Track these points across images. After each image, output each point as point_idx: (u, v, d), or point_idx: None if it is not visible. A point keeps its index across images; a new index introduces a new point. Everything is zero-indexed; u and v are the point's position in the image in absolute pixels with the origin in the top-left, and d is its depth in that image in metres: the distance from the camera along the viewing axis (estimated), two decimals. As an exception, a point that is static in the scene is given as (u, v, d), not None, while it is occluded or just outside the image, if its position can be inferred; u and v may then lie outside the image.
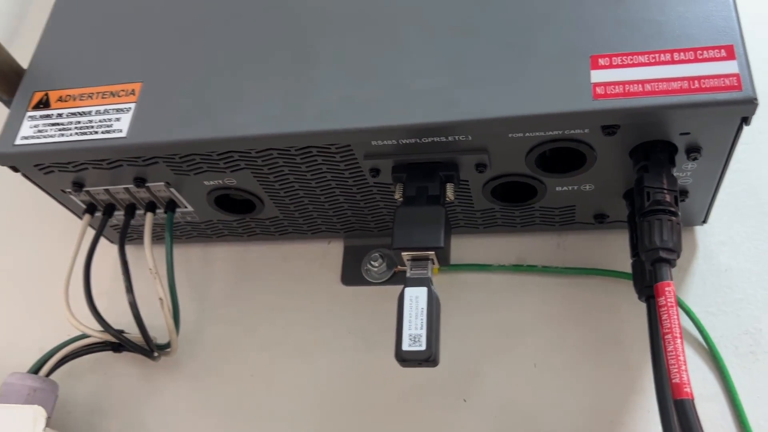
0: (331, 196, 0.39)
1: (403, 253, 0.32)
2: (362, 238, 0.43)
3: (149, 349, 0.38)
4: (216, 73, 0.36)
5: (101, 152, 0.36)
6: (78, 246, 0.40)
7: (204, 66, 0.36)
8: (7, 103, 0.43)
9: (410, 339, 0.30)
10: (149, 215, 0.40)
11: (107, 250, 0.44)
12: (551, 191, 0.36)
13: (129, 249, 0.47)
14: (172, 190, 0.39)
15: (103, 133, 0.36)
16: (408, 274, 0.32)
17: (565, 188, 0.36)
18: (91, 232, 0.41)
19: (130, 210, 0.41)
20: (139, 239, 0.44)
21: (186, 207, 0.41)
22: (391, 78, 0.33)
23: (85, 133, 0.36)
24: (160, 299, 0.38)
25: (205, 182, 0.38)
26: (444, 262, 0.32)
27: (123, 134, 0.35)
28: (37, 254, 0.49)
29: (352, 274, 0.43)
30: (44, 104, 0.38)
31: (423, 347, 0.30)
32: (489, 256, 0.41)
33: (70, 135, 0.36)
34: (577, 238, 0.41)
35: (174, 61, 0.37)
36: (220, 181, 0.38)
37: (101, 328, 0.38)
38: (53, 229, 0.50)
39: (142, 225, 0.43)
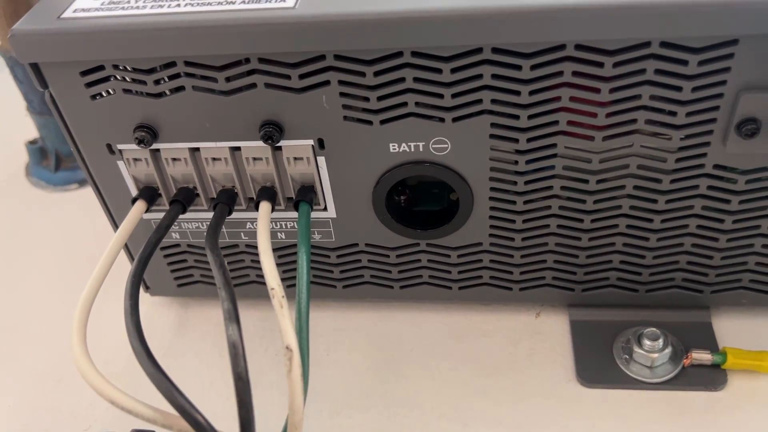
0: (614, 189, 0.21)
1: None
2: (594, 308, 0.25)
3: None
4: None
5: (243, 37, 0.18)
6: (109, 264, 0.21)
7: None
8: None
9: None
10: (265, 204, 0.22)
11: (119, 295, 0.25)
12: None
13: (180, 302, 0.28)
14: (321, 160, 0.21)
15: (247, 2, 0.19)
16: None
17: None
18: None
19: (227, 198, 0.22)
20: (203, 280, 0.25)
21: (322, 204, 0.23)
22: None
23: (209, 3, 0.19)
24: (288, 350, 0.18)
25: (393, 145, 0.21)
26: None
27: (289, 4, 0.19)
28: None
29: (598, 366, 0.24)
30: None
31: None
32: None
33: (178, 5, 0.19)
34: None
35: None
36: (423, 145, 0.21)
37: (170, 411, 0.17)
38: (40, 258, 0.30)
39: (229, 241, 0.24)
